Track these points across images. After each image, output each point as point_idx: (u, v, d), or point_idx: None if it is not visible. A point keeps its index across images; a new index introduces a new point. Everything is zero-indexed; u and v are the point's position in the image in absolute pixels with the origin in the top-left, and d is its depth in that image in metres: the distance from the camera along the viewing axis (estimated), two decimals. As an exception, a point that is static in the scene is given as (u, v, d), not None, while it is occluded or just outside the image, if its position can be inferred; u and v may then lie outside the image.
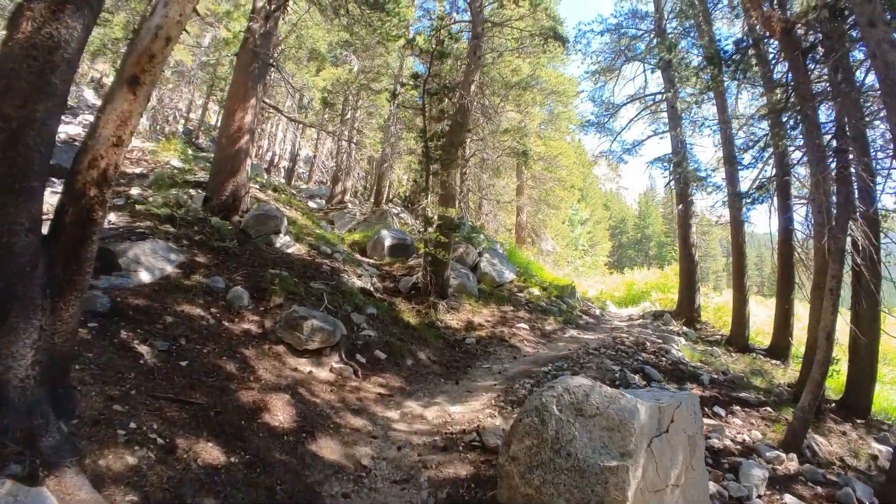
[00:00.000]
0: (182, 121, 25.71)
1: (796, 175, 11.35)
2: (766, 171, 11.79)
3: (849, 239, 8.38)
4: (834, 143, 8.10)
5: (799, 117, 8.15)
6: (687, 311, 12.90)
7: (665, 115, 15.08)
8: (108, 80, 20.77)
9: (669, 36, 14.03)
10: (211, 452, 3.60)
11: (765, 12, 6.65)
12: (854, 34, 8.36)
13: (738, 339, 11.43)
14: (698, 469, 3.30)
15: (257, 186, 14.93)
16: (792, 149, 10.94)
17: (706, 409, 6.73)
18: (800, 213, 12.29)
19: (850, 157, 6.32)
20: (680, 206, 13.41)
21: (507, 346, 8.64)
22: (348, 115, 19.35)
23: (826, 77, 9.04)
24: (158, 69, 3.40)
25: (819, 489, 4.86)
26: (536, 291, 12.76)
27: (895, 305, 10.02)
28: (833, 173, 6.53)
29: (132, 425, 3.53)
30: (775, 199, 10.98)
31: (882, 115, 8.99)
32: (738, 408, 7.01)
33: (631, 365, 7.60)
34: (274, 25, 10.14)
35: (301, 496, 3.56)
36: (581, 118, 19.70)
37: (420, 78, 9.49)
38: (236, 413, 4.15)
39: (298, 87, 14.98)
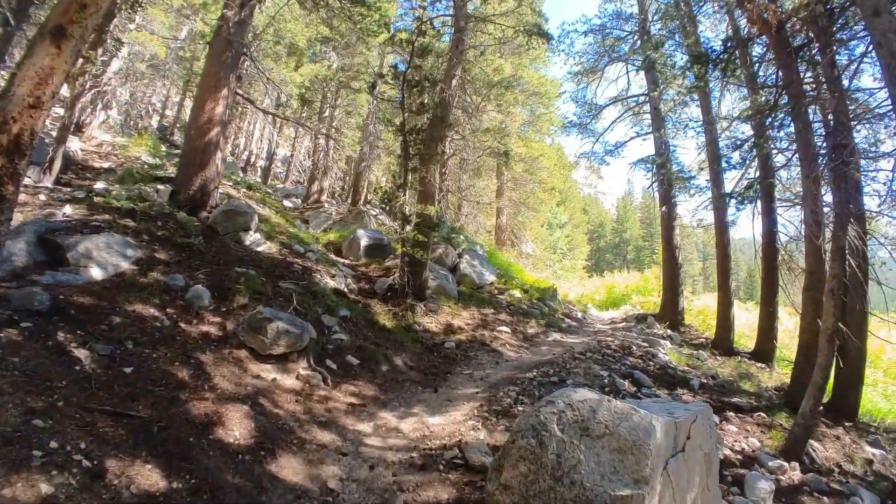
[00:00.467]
0: (157, 117, 24.80)
1: (779, 178, 11.27)
2: (749, 173, 11.71)
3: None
4: (823, 143, 7.97)
5: (790, 117, 7.95)
6: (670, 314, 12.68)
7: (648, 116, 14.94)
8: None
9: (654, 37, 13.87)
10: (149, 476, 3.07)
11: (759, 4, 6.38)
12: (841, 35, 8.28)
13: (723, 343, 11.23)
14: (713, 489, 2.90)
15: (230, 184, 14.33)
16: (775, 151, 10.87)
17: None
18: (783, 215, 12.17)
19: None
20: (663, 208, 13.21)
21: (489, 350, 8.21)
22: (326, 113, 18.78)
23: (810, 80, 8.96)
24: (91, 21, 2.87)
25: (826, 500, 4.55)
26: (518, 294, 12.38)
27: (875, 307, 9.94)
28: (828, 172, 6.27)
29: (53, 444, 2.98)
30: (758, 201, 10.86)
31: (868, 116, 8.92)
32: (731, 413, 6.72)
33: (619, 370, 7.25)
34: (249, 14, 9.59)
35: (255, 527, 3.05)
36: (562, 120, 19.50)
37: (400, 69, 9.03)
38: (184, 428, 3.61)
39: (276, 83, 14.36)
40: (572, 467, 2.40)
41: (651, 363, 8.29)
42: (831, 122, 6.59)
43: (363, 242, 11.57)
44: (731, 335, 11.50)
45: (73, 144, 12.33)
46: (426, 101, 8.88)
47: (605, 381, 6.61)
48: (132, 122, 20.75)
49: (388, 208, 19.77)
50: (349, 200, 19.08)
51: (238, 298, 6.11)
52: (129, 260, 6.30)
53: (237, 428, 3.78)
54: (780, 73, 8.77)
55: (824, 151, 7.94)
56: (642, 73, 15.05)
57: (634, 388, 6.71)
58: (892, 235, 9.99)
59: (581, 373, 6.68)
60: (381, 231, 13.17)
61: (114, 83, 15.23)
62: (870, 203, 11.34)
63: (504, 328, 9.57)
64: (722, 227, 11.93)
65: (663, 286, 13.49)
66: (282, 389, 4.68)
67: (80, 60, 11.24)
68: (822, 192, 7.97)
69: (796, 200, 11.48)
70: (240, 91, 12.08)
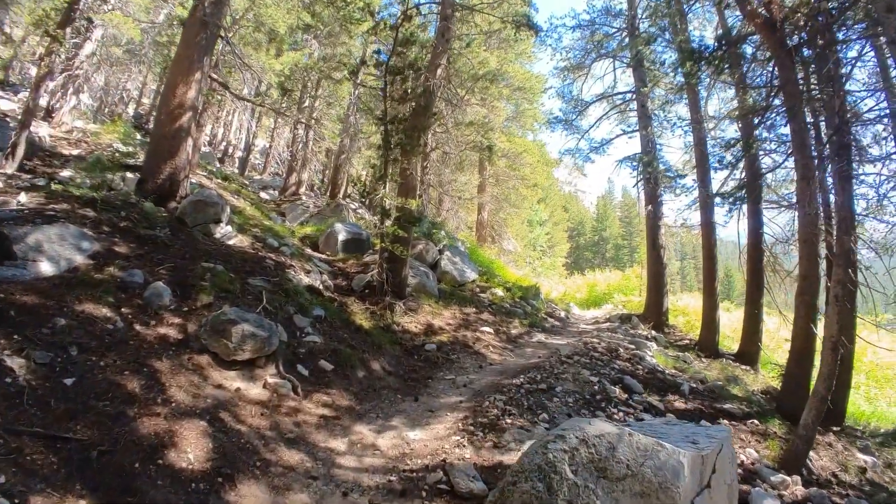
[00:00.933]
0: (133, 104, 23.76)
1: (765, 180, 11.13)
2: (735, 175, 11.56)
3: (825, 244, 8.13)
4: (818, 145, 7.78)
5: (787, 117, 7.73)
6: (655, 314, 12.49)
7: (633, 114, 14.76)
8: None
9: (643, 34, 13.63)
10: (80, 514, 2.59)
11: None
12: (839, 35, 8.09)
13: (708, 344, 11.08)
14: (735, 526, 2.57)
15: (204, 174, 13.69)
16: (762, 153, 10.72)
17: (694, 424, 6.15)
18: (769, 217, 12.03)
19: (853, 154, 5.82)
20: (649, 207, 13.00)
21: (472, 352, 7.83)
22: (307, 104, 18.13)
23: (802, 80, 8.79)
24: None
25: (830, 519, 4.28)
26: (500, 292, 12.04)
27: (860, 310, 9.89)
28: (833, 174, 6.03)
29: (-38, 480, 2.49)
30: (744, 202, 10.72)
31: (855, 121, 8.78)
32: (725, 421, 6.48)
33: (609, 375, 6.94)
34: (227, -6, 9.01)
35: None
36: (547, 116, 19.27)
37: (382, 54, 8.55)
38: (130, 452, 3.12)
39: (255, 70, 13.69)
40: (586, 516, 2.00)
41: (639, 367, 8.04)
42: (835, 122, 6.33)
43: (341, 237, 11.07)
44: (717, 337, 11.38)
45: (42, 130, 11.63)
46: (410, 88, 8.41)
47: (596, 387, 6.29)
48: (107, 110, 19.80)
49: (367, 202, 19.30)
50: (328, 193, 18.47)
51: (202, 297, 5.59)
52: (85, 253, 5.73)
53: (192, 449, 3.30)
54: (776, 73, 8.58)
55: (817, 153, 7.79)
56: (629, 70, 14.88)
57: (626, 395, 6.41)
58: (876, 239, 9.93)
59: (570, 378, 6.34)
60: (359, 225, 12.68)
61: (86, 67, 14.38)
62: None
63: (487, 329, 9.21)
64: (709, 227, 11.77)
65: (647, 286, 13.30)
66: (246, 401, 4.20)
67: (47, 38, 10.48)
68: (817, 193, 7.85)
69: (783, 203, 11.42)
70: (214, 75, 11.44)
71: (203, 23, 8.38)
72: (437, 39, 9.79)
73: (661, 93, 14.56)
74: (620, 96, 15.47)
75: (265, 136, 28.16)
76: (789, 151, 8.95)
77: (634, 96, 14.13)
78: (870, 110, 8.49)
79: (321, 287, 8.04)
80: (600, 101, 15.79)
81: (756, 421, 6.87)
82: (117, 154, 11.42)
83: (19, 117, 10.19)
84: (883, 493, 5.72)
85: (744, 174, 10.80)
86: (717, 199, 11.69)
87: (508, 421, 4.62)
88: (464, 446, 4.07)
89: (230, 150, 25.51)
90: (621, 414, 5.62)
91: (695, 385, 7.93)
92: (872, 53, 8.07)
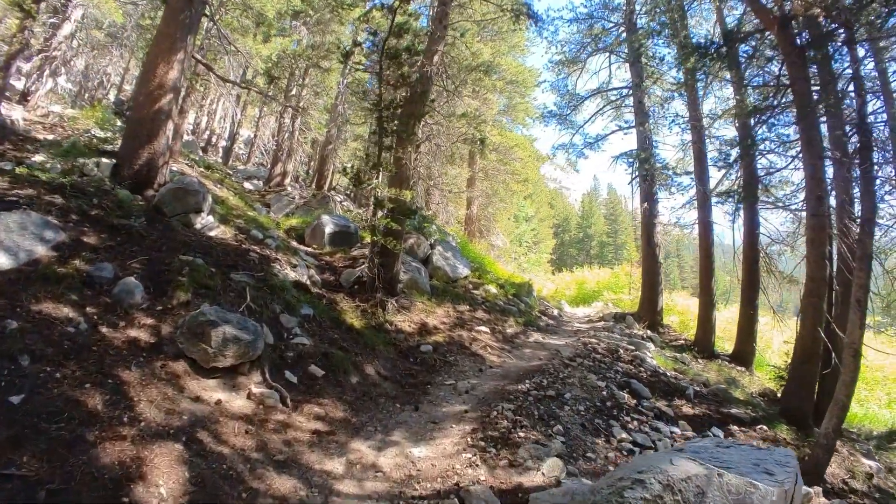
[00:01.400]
0: (114, 90, 22.68)
1: (763, 181, 10.92)
2: (731, 174, 11.34)
3: (835, 245, 7.91)
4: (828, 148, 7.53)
5: (798, 116, 7.45)
6: (649, 313, 12.23)
7: (628, 111, 14.48)
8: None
9: (640, 30, 13.33)
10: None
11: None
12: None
13: (703, 345, 10.87)
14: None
15: (187, 162, 12.96)
16: (759, 154, 10.50)
17: (702, 430, 5.83)
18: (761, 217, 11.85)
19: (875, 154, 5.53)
20: (645, 205, 12.71)
21: (469, 354, 7.40)
22: (294, 92, 17.42)
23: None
24: None
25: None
26: (493, 289, 11.63)
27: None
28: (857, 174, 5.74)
29: None
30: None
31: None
32: (735, 427, 6.22)
33: (615, 379, 6.59)
34: (214, -30, 8.36)
35: None
36: (539, 111, 18.87)
37: (378, 36, 7.99)
38: (87, 488, 2.58)
39: (242, 54, 12.97)
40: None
41: (642, 369, 7.72)
42: (857, 122, 6.03)
43: (328, 229, 10.51)
44: (713, 338, 11.17)
45: (15, 113, 10.90)
46: (406, 73, 7.90)
47: (604, 392, 5.93)
48: (87, 95, 18.82)
49: (353, 195, 18.69)
50: (313, 185, 17.83)
51: (179, 294, 5.03)
52: (48, 244, 5.10)
53: (165, 481, 2.78)
54: (786, 71, 8.32)
55: (829, 154, 7.54)
56: (625, 66, 14.66)
57: (635, 401, 6.06)
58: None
59: (577, 383, 5.95)
60: (347, 218, 12.11)
61: (64, 48, 13.49)
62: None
63: (483, 328, 8.79)
64: (706, 226, 11.55)
65: (642, 284, 13.04)
66: (228, 415, 3.68)
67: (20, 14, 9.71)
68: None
69: (779, 204, 11.24)
70: (198, 56, 10.75)
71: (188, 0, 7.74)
72: (434, 25, 9.28)
73: (658, 90, 14.36)
74: (616, 92, 15.24)
75: (250, 126, 27.35)
76: (798, 151, 8.74)
77: (631, 92, 13.85)
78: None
79: (309, 283, 7.52)
80: (595, 96, 15.52)
81: (765, 427, 6.62)
82: (95, 140, 10.70)
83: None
84: (894, 501, 5.51)
85: (740, 174, 10.60)
86: (715, 198, 11.52)
87: (521, 434, 4.19)
88: (476, 466, 3.63)
89: (214, 140, 24.66)
90: (636, 423, 5.26)
91: (698, 388, 7.66)
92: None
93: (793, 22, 7.57)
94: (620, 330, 11.06)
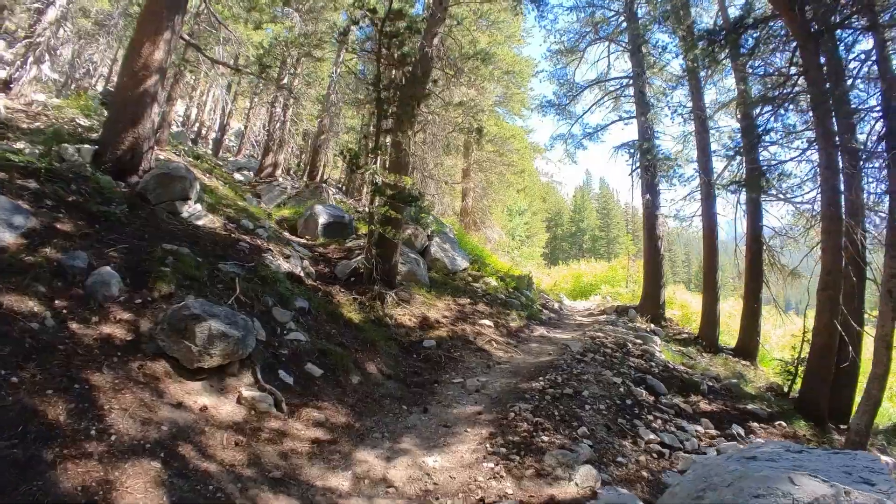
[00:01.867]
0: (102, 80, 21.87)
1: (769, 172, 10.64)
2: (732, 166, 11.04)
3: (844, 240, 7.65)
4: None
5: (812, 105, 7.15)
6: (652, 307, 11.92)
7: (628, 101, 14.15)
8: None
9: (644, 18, 12.97)
10: None
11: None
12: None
13: (708, 339, 10.60)
14: None
15: (175, 152, 12.39)
16: (763, 145, 10.21)
17: (724, 428, 5.48)
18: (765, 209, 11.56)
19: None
20: (647, 196, 12.38)
21: (475, 349, 6.99)
22: (286, 80, 16.83)
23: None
24: None
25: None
26: (493, 282, 11.24)
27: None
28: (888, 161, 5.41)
29: None
30: (742, 194, 10.23)
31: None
32: (754, 424, 5.89)
33: (630, 375, 6.24)
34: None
35: None
36: (537, 100, 18.48)
37: (377, 15, 7.49)
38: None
39: (233, 38, 12.39)
40: None
41: (653, 363, 7.39)
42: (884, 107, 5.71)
43: (321, 220, 10.04)
44: (717, 332, 10.91)
45: None
46: (407, 52, 7.43)
47: (621, 389, 5.56)
48: (73, 85, 18.06)
49: (346, 188, 18.19)
50: (305, 175, 17.30)
51: (160, 285, 4.56)
52: (17, 231, 4.57)
53: (139, 506, 2.34)
54: (798, 58, 8.03)
55: (840, 143, 7.25)
56: (624, 56, 14.35)
57: (653, 398, 5.71)
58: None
59: (593, 380, 5.58)
60: (341, 208, 11.64)
61: (48, 34, 12.78)
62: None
63: (486, 321, 8.39)
64: (710, 218, 11.24)
65: (644, 278, 12.73)
66: (215, 424, 3.22)
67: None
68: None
69: (780, 196, 10.96)
70: (186, 36, 10.16)
71: (176, -25, 7.22)
72: (434, 7, 8.82)
73: (658, 80, 14.04)
74: (615, 82, 14.92)
75: (240, 118, 26.70)
76: (806, 141, 8.46)
77: (631, 82, 13.49)
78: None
79: (302, 274, 7.06)
80: (594, 86, 15.15)
81: (783, 423, 6.31)
82: (80, 128, 10.13)
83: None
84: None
85: (742, 165, 10.31)
86: (718, 189, 11.23)
87: (544, 438, 3.79)
88: (501, 477, 3.21)
89: (204, 131, 23.97)
90: (659, 422, 4.90)
91: (711, 384, 7.36)
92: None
93: (806, 7, 7.28)
94: (624, 323, 10.74)
